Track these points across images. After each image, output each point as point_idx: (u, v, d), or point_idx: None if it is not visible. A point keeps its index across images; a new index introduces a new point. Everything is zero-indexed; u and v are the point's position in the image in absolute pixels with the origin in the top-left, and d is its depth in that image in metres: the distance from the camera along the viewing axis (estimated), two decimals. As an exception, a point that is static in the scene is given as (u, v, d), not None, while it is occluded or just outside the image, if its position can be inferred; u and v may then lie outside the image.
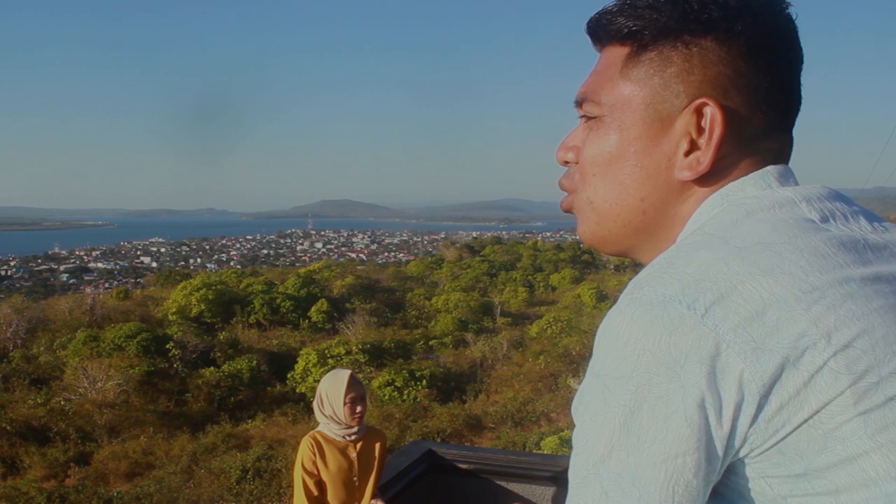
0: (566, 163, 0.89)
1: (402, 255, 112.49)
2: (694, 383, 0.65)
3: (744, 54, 0.78)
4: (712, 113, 0.77)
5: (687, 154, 0.79)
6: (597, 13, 0.85)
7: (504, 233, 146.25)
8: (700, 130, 0.78)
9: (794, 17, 0.81)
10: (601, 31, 0.85)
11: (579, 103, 0.87)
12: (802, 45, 0.83)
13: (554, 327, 33.57)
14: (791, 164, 0.84)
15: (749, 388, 0.65)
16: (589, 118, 0.86)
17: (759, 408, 0.66)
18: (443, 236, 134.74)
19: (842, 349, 0.65)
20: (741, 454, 0.69)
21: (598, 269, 60.72)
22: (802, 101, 0.83)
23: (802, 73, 0.83)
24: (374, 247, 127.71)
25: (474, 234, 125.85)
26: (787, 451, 0.67)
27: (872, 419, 0.65)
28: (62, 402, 23.29)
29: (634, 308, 0.69)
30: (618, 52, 0.83)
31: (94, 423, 22.58)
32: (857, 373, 0.65)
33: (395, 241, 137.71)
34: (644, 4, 0.80)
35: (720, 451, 0.67)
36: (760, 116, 0.79)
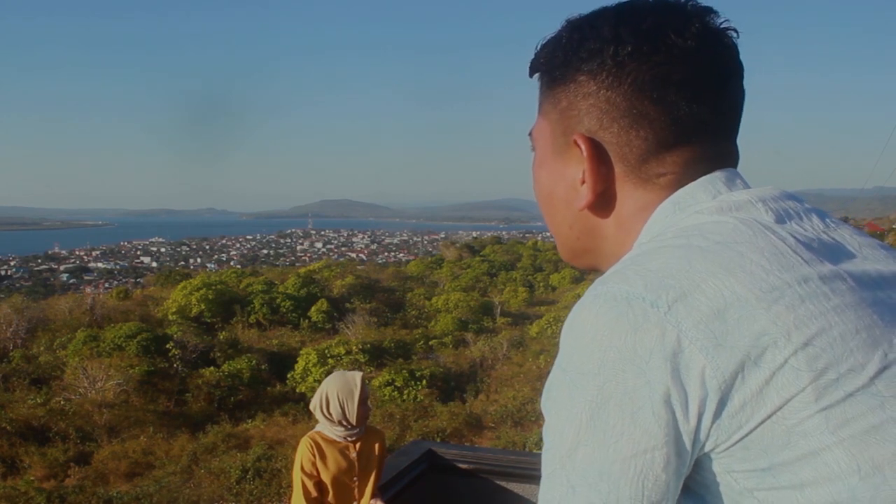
0: None
1: (402, 255, 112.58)
2: (659, 379, 0.67)
3: (610, 85, 0.80)
4: (584, 147, 0.82)
5: (582, 184, 0.84)
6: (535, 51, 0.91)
7: (504, 233, 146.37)
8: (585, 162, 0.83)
9: (701, 25, 0.80)
10: (530, 69, 0.91)
11: (529, 135, 0.94)
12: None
13: (554, 327, 33.55)
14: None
15: (711, 385, 0.67)
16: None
17: (722, 404, 0.67)
18: (443, 236, 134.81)
19: (801, 347, 0.67)
20: (706, 449, 0.70)
21: (598, 268, 60.70)
22: (734, 99, 0.83)
23: (726, 70, 0.82)
24: (374, 247, 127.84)
25: (474, 234, 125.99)
26: (751, 446, 0.68)
27: (833, 415, 0.66)
28: (62, 402, 23.27)
29: (599, 304, 0.71)
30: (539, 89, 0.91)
31: (94, 423, 22.56)
32: (817, 370, 0.67)
33: (395, 241, 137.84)
34: (552, 42, 0.86)
35: (688, 445, 0.68)
36: (640, 140, 0.81)
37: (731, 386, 0.67)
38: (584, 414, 0.69)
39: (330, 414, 3.42)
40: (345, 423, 3.41)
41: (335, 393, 3.41)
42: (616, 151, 0.82)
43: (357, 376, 3.48)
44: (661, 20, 0.80)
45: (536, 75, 0.91)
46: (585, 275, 56.44)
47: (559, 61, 0.85)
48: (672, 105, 0.80)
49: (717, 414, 0.67)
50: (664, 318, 0.68)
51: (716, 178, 0.81)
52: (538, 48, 0.88)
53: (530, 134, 0.93)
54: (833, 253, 0.76)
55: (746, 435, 0.68)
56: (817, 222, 0.80)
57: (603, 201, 0.84)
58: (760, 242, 0.73)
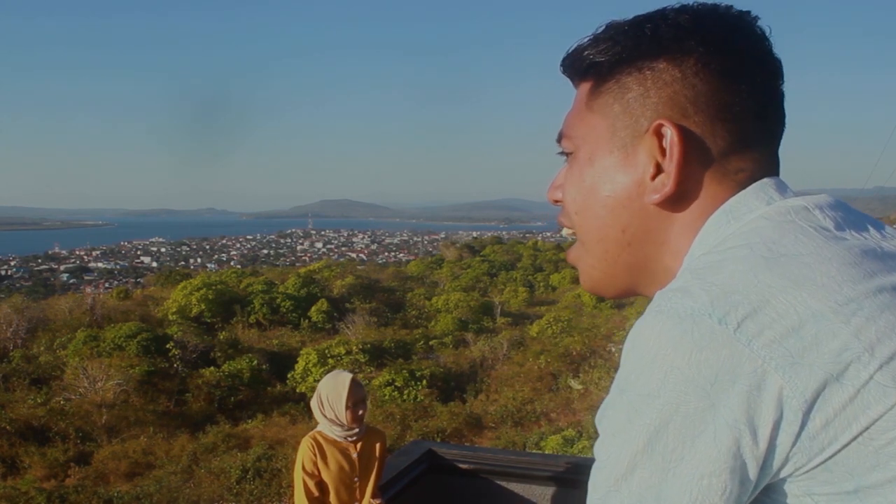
0: (557, 202, 0.91)
1: (402, 255, 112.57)
2: (725, 403, 0.64)
3: (698, 71, 0.77)
4: (670, 133, 0.77)
5: (654, 177, 0.79)
6: (565, 53, 0.87)
7: (504, 233, 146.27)
8: (663, 152, 0.78)
9: (763, 30, 0.80)
10: (569, 69, 0.87)
11: (559, 140, 0.88)
12: (781, 55, 0.82)
13: (554, 327, 33.58)
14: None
15: (790, 406, 0.63)
16: (567, 154, 0.87)
17: (802, 426, 0.64)
18: (443, 236, 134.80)
19: (886, 362, 0.63)
20: (783, 474, 0.67)
21: (598, 268, 60.66)
22: (785, 113, 0.83)
23: (783, 84, 0.82)
24: (374, 247, 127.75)
25: (474, 234, 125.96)
26: (835, 468, 0.65)
27: None
28: (62, 402, 23.30)
29: (662, 321, 0.67)
30: (584, 87, 0.85)
31: (94, 423, 22.58)
32: None
33: (395, 241, 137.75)
34: (604, 37, 0.82)
35: (753, 473, 0.65)
36: (725, 132, 0.78)
37: (813, 406, 0.63)
38: (643, 437, 0.66)
39: (325, 414, 3.44)
40: (337, 422, 3.43)
41: (325, 394, 3.44)
42: (700, 142, 0.78)
43: (347, 378, 3.48)
44: (733, 19, 0.79)
45: (566, 74, 0.88)
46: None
47: (628, 50, 0.80)
48: (755, 101, 0.78)
49: (797, 436, 0.64)
50: (733, 338, 0.64)
51: (766, 184, 0.78)
52: (584, 45, 0.84)
53: (562, 136, 0.87)
54: (895, 262, 0.72)
55: (831, 457, 0.64)
56: (874, 232, 0.77)
57: (679, 193, 0.78)
58: (826, 253, 0.69)
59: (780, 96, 0.82)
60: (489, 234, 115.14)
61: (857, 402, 0.63)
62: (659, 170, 0.78)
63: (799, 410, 0.63)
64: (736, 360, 0.64)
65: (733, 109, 0.77)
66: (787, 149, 0.84)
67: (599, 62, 0.82)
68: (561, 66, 0.88)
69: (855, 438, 0.64)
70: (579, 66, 0.85)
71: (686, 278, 0.71)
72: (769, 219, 0.74)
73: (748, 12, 0.81)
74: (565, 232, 0.91)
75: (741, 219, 0.76)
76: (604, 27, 0.83)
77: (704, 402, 0.64)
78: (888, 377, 0.63)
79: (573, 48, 0.85)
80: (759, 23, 0.80)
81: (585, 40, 0.84)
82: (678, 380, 0.65)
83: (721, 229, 0.77)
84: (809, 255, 0.69)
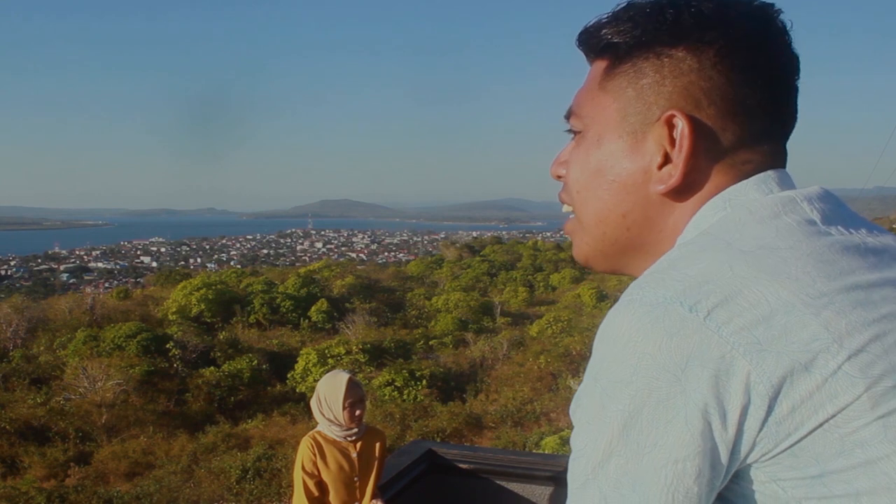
0: (559, 177, 0.90)
1: (402, 255, 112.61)
2: (695, 388, 0.65)
3: (716, 63, 0.76)
4: (682, 125, 0.76)
5: (661, 167, 0.78)
6: (583, 27, 0.85)
7: (504, 233, 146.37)
8: (672, 143, 0.77)
9: (784, 24, 0.79)
10: (585, 45, 0.86)
11: (567, 117, 0.88)
12: (798, 50, 0.81)
13: (554, 327, 33.59)
14: (791, 162, 0.83)
15: (757, 391, 0.64)
16: (575, 132, 0.86)
17: (769, 411, 0.65)
18: (443, 236, 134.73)
19: (855, 353, 0.65)
20: (750, 459, 0.68)
21: (598, 269, 60.62)
22: (798, 109, 0.82)
23: (798, 80, 0.81)
24: (374, 247, 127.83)
25: (474, 234, 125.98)
26: (801, 454, 0.66)
27: (891, 423, 0.64)
28: (62, 402, 23.31)
29: (634, 310, 0.68)
30: (599, 66, 0.84)
31: (94, 423, 22.59)
32: (873, 377, 0.65)
33: (395, 241, 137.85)
34: (624, 17, 0.80)
35: (724, 457, 0.66)
36: (737, 127, 0.77)
37: (779, 392, 0.64)
38: (617, 424, 0.67)
39: (324, 414, 3.44)
40: (336, 422, 3.43)
41: (324, 394, 3.44)
42: (711, 134, 0.77)
43: (344, 378, 3.48)
44: (757, 12, 0.78)
45: (581, 49, 0.87)
46: (586, 275, 56.44)
47: (648, 34, 0.78)
48: (770, 97, 0.78)
49: (764, 422, 0.65)
50: (703, 325, 0.65)
51: (769, 176, 0.78)
52: (603, 22, 0.82)
53: (571, 113, 0.86)
54: (880, 259, 0.73)
55: (797, 442, 0.65)
56: (859, 226, 0.77)
57: (685, 185, 0.78)
58: (805, 248, 0.70)
59: (794, 92, 0.81)
60: (489, 234, 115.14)
61: (825, 391, 0.64)
62: (667, 160, 0.78)
63: (766, 395, 0.64)
64: (705, 346, 0.65)
65: (747, 104, 0.77)
66: (788, 148, 0.84)
67: (617, 43, 0.81)
68: (577, 40, 0.87)
69: (821, 425, 0.65)
70: (596, 43, 0.83)
71: (661, 266, 0.72)
72: (754, 211, 0.75)
73: (772, 5, 0.80)
74: (565, 209, 0.90)
75: (736, 208, 0.76)
76: (624, 5, 0.81)
77: (676, 388, 0.65)
78: (856, 368, 0.64)
79: (592, 24, 0.84)
80: (781, 17, 0.79)
81: (605, 17, 0.82)
82: (650, 366, 0.66)
83: (715, 216, 0.77)
84: (787, 250, 0.70)
